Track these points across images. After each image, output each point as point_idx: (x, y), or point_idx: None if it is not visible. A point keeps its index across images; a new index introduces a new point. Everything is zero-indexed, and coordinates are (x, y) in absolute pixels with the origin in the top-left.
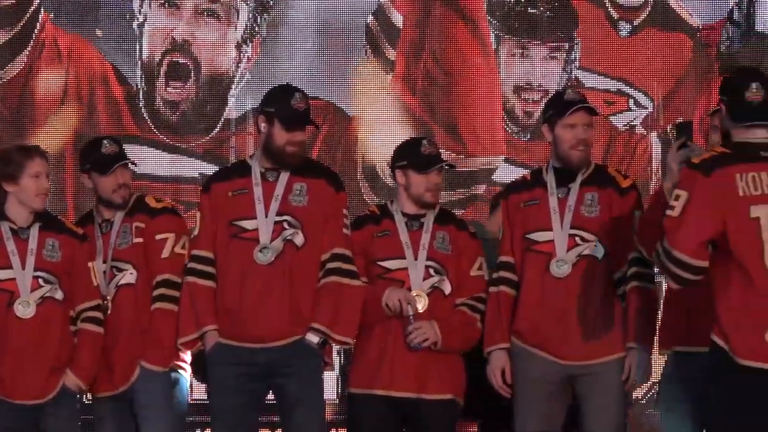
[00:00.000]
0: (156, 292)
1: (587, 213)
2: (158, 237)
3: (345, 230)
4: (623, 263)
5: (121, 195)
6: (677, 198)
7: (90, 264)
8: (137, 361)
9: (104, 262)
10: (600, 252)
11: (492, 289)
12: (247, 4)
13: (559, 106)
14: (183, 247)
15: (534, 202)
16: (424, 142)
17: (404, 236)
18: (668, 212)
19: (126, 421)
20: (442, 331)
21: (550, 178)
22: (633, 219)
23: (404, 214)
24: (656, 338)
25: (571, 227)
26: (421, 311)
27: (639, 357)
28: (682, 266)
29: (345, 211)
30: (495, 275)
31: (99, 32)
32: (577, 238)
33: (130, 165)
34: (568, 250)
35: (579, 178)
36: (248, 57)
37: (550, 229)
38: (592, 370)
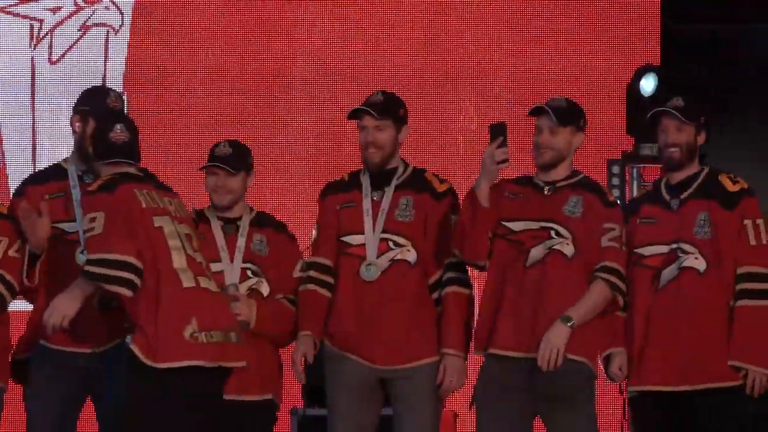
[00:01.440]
0: None
1: (401, 217)
2: None
3: None
4: (438, 268)
5: None
6: (94, 219)
7: None
8: None
9: None
10: (413, 256)
11: (300, 288)
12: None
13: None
14: (17, 251)
15: (351, 204)
16: (222, 143)
17: (220, 240)
18: (90, 233)
19: None
20: (259, 312)
21: (365, 180)
22: (449, 223)
23: (220, 218)
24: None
25: (383, 231)
26: None
27: (453, 361)
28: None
29: None
30: (304, 275)
31: None
32: (390, 243)
33: None
34: (379, 254)
35: (394, 182)
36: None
37: (363, 232)
38: (404, 374)
